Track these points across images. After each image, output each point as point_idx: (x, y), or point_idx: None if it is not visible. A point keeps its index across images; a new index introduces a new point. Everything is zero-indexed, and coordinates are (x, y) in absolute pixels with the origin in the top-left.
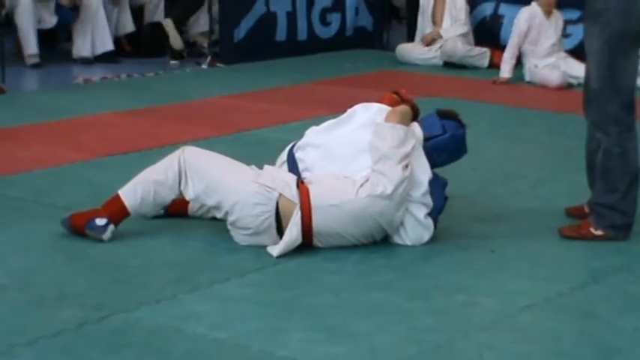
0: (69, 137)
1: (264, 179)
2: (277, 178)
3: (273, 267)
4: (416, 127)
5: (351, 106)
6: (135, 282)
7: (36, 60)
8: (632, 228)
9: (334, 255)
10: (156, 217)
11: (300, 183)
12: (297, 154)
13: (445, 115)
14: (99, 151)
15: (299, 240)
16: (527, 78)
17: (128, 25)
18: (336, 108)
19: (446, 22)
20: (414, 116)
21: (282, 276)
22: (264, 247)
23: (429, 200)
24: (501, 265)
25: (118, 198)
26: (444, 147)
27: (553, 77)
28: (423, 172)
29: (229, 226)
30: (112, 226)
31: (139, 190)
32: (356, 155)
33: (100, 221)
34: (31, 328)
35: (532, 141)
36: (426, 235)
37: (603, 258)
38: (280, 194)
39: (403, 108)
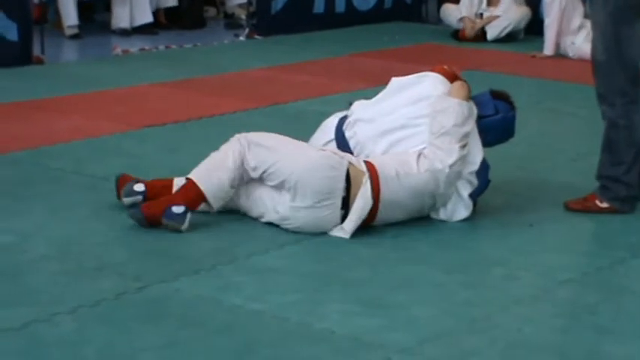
0: (107, 108)
1: (331, 149)
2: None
3: (310, 239)
4: (471, 105)
5: (389, 79)
6: (174, 253)
7: (75, 31)
8: (637, 201)
9: (371, 228)
10: None
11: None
12: (348, 133)
13: (497, 96)
14: (137, 123)
15: (369, 205)
16: (567, 53)
17: None
18: (375, 81)
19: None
20: None
21: (320, 248)
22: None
23: (474, 179)
24: (540, 239)
25: (192, 184)
26: (494, 128)
27: None
28: (478, 151)
29: (287, 208)
30: (189, 214)
31: (213, 175)
32: (413, 131)
33: (178, 209)
34: (71, 298)
35: (572, 115)
36: (464, 214)
37: None
38: (350, 162)
39: (465, 84)
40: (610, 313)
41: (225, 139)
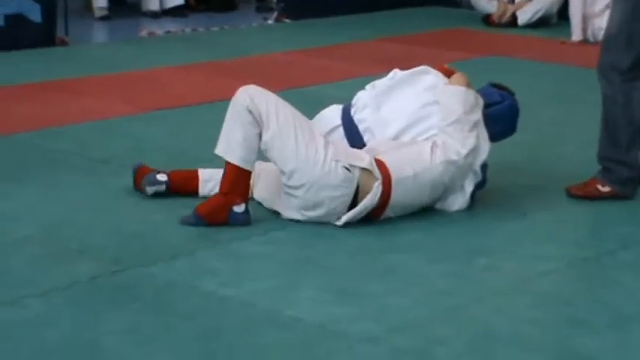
0: (122, 91)
1: (346, 157)
2: (352, 152)
3: (296, 226)
4: (476, 93)
5: (413, 65)
6: (156, 237)
7: (104, 13)
8: (637, 183)
9: None
10: (158, 195)
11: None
12: (357, 116)
13: (499, 88)
14: (148, 105)
15: (369, 209)
16: (596, 38)
17: None
18: (398, 66)
19: None
20: None
21: (304, 235)
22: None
23: (480, 172)
24: (531, 229)
25: (232, 169)
26: (502, 116)
27: None
28: (485, 141)
29: (288, 195)
30: (250, 210)
31: (246, 148)
32: (423, 117)
33: (239, 208)
34: (44, 281)
35: (594, 103)
36: (461, 206)
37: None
38: (361, 168)
39: (464, 74)
40: (587, 305)
41: None
